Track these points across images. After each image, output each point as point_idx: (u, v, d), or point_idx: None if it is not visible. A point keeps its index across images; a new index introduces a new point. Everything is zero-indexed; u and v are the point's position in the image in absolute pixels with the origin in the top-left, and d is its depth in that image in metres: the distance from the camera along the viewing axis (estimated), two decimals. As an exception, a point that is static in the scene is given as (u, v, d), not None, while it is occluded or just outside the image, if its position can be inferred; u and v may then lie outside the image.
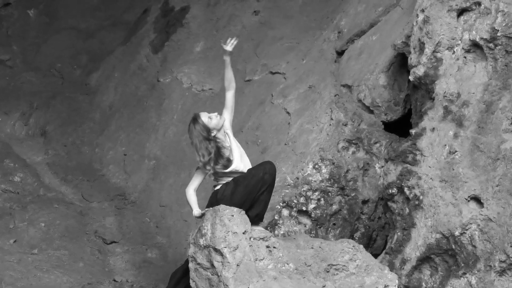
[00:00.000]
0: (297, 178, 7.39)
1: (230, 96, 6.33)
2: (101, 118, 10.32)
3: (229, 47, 6.34)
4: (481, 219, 6.12)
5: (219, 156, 6.16)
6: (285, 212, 7.27)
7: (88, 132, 10.21)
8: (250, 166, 6.27)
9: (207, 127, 6.15)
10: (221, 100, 9.16)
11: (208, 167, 6.17)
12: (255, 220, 6.12)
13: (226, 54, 6.34)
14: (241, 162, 6.21)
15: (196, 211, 6.13)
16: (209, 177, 6.28)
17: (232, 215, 5.85)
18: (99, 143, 10.02)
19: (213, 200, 6.14)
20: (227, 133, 6.29)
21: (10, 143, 9.90)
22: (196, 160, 6.24)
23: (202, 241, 5.89)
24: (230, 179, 6.18)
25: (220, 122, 6.22)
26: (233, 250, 5.75)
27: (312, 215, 7.25)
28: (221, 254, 5.76)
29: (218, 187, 6.22)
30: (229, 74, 6.34)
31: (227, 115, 6.31)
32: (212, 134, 6.17)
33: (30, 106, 10.41)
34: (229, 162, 6.18)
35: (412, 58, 6.87)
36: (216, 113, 6.24)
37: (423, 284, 6.39)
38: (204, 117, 6.19)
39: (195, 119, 6.19)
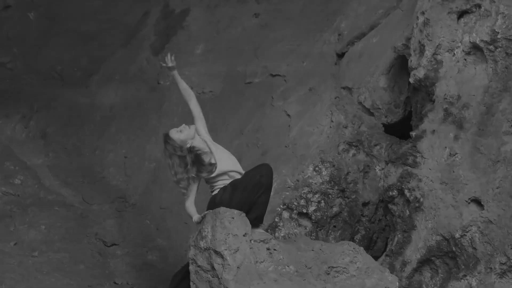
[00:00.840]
0: (298, 180, 7.39)
1: (193, 105, 6.39)
2: (101, 120, 10.30)
3: (170, 63, 6.42)
4: (481, 221, 6.12)
5: (200, 164, 6.20)
6: (286, 214, 7.27)
7: (88, 134, 10.19)
8: (238, 164, 6.30)
9: (179, 142, 6.20)
10: (221, 102, 9.19)
11: (182, 183, 6.20)
12: (255, 222, 6.12)
13: (170, 70, 6.43)
14: (224, 162, 6.24)
15: (196, 216, 6.14)
16: (182, 192, 6.27)
17: (233, 218, 5.85)
18: (99, 146, 10.01)
19: (212, 205, 6.14)
20: (204, 140, 6.32)
21: (11, 146, 9.87)
22: (172, 180, 6.30)
23: (202, 244, 5.88)
24: (227, 182, 6.20)
25: (191, 131, 6.27)
26: (234, 253, 5.75)
27: (313, 218, 7.25)
28: (222, 257, 5.75)
29: (215, 192, 6.24)
30: (183, 86, 6.44)
31: (198, 123, 6.37)
32: (187, 146, 6.22)
33: (31, 109, 10.39)
34: (212, 166, 6.20)
35: (412, 60, 6.87)
36: (183, 124, 6.30)
37: (424, 286, 6.38)
38: (173, 133, 6.25)
39: (165, 139, 6.26)
